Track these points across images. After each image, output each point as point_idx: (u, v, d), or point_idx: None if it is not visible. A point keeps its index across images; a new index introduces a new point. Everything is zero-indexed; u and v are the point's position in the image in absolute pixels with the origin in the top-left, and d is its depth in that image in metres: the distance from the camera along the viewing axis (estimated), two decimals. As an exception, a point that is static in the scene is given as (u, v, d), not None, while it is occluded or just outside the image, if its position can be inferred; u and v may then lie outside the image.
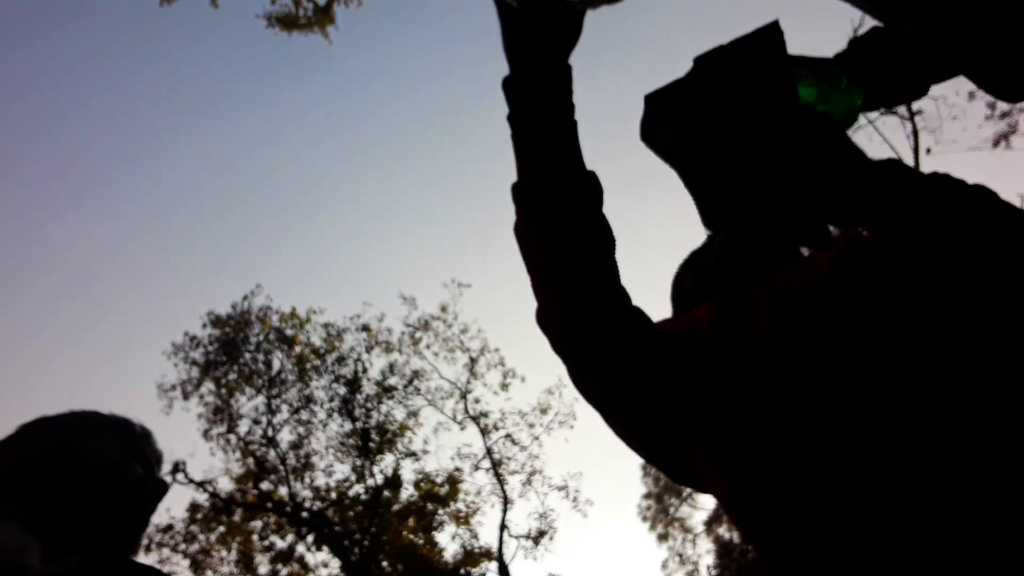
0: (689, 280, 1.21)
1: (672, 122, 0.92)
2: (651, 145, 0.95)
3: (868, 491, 0.72)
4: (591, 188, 0.97)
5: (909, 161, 8.28)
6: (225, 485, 14.85)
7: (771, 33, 0.89)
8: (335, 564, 14.37)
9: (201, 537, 14.72)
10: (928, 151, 8.36)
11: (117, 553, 1.12)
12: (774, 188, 0.87)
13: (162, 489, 1.21)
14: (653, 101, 0.94)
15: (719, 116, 0.89)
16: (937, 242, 0.76)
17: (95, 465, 1.13)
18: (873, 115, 8.54)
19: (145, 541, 1.49)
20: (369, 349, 15.51)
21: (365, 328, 15.51)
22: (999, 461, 0.68)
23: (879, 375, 0.75)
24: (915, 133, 8.38)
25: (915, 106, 8.22)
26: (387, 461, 15.29)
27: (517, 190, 0.99)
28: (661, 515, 20.36)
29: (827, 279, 0.84)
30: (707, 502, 18.60)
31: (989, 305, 0.73)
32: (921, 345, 0.74)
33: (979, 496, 0.67)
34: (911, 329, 0.75)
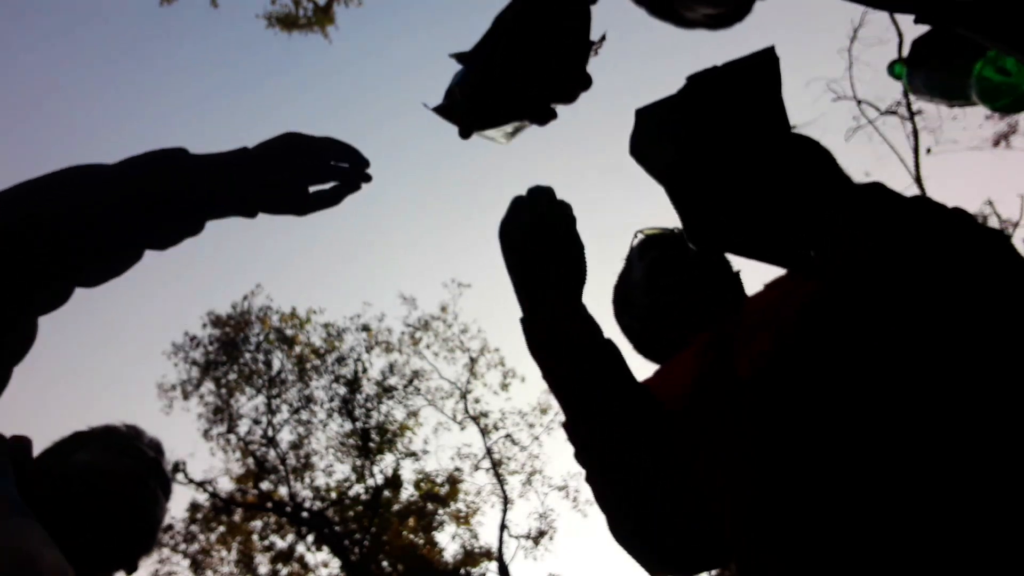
0: (635, 323, 1.24)
1: (666, 140, 0.91)
2: (641, 161, 0.94)
3: (868, 495, 0.72)
4: (638, 398, 0.97)
5: (909, 161, 8.28)
6: (225, 485, 14.87)
7: (766, 58, 0.88)
8: (335, 564, 14.39)
9: (201, 537, 14.73)
10: (928, 151, 8.34)
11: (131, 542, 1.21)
12: (763, 209, 0.87)
13: (155, 468, 1.28)
14: (644, 117, 0.93)
15: (713, 137, 0.88)
16: (922, 262, 0.77)
17: (81, 474, 1.19)
18: (873, 115, 8.54)
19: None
20: (369, 349, 15.53)
21: (365, 328, 15.51)
22: (992, 458, 0.68)
23: (871, 386, 0.76)
24: (915, 133, 8.36)
25: (915, 106, 8.21)
26: (387, 461, 15.31)
27: (568, 429, 1.00)
28: (661, 515, 20.36)
29: (814, 301, 0.85)
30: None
31: (968, 320, 0.73)
32: (910, 361, 0.75)
33: (974, 497, 0.68)
34: (898, 343, 0.76)
